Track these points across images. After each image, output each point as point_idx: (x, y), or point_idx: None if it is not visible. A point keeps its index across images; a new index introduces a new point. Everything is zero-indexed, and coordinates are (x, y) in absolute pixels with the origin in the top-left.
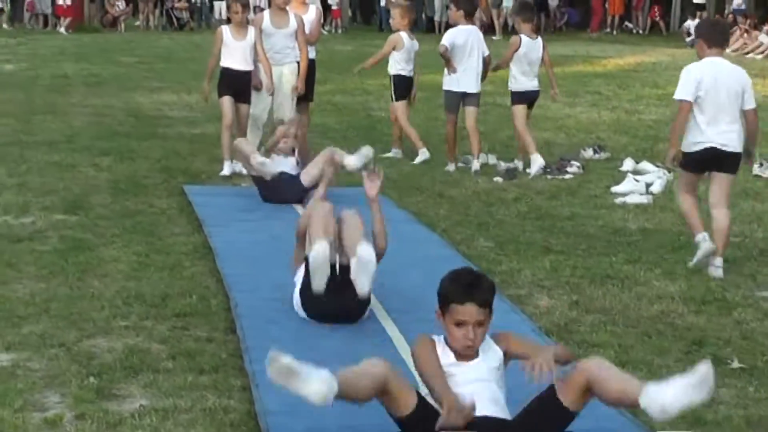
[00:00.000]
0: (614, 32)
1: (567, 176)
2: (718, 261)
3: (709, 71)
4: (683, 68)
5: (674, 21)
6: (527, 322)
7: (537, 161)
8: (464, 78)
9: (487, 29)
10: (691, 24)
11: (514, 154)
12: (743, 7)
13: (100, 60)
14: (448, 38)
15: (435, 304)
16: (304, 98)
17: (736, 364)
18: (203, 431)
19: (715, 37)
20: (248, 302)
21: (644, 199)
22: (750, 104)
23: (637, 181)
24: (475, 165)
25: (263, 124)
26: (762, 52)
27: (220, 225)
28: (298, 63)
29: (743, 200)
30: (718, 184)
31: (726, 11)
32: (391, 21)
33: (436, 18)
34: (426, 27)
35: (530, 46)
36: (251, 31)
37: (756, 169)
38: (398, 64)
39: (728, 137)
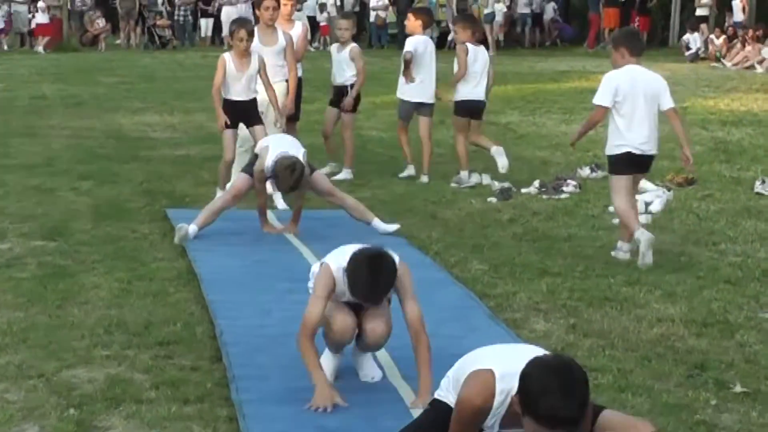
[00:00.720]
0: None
1: (563, 196)
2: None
3: (627, 78)
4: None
5: (673, 35)
6: None
7: (463, 177)
8: (421, 88)
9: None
10: (690, 38)
11: (508, 174)
12: (741, 19)
13: (79, 80)
14: (411, 45)
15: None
16: (291, 118)
17: (738, 389)
18: None
19: (636, 45)
20: (234, 330)
21: (643, 219)
22: (668, 104)
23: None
24: (424, 179)
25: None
26: (763, 65)
27: (204, 250)
28: (287, 81)
29: (745, 219)
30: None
31: (726, 24)
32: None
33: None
34: (437, 42)
35: (475, 55)
36: (254, 58)
37: (758, 187)
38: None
39: (645, 141)
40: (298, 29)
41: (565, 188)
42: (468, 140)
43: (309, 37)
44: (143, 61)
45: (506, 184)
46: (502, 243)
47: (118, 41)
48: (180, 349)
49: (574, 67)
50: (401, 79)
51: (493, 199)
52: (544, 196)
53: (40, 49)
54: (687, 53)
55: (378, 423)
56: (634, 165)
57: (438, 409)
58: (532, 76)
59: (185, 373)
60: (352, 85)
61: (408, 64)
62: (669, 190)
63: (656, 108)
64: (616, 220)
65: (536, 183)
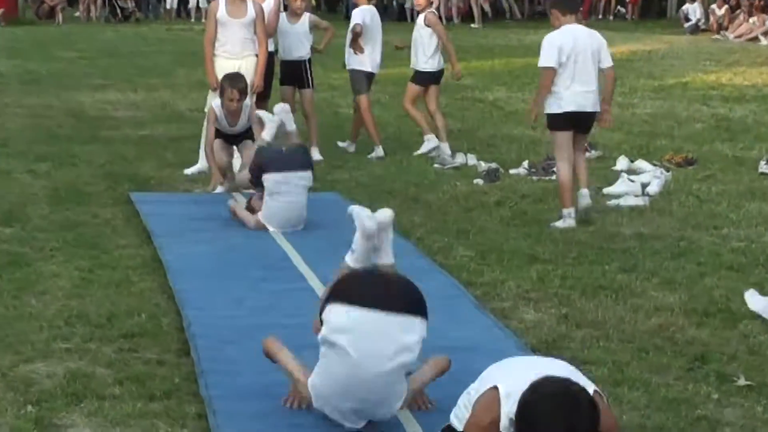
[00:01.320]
0: (610, 17)
1: (554, 177)
2: (585, 191)
3: (569, 37)
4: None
5: (671, 5)
6: (512, 338)
7: (431, 142)
8: (372, 58)
9: (465, 17)
10: (689, 8)
11: (495, 154)
12: None
13: (36, 55)
14: (359, 16)
15: None
16: (261, 96)
17: (742, 382)
18: None
19: (569, 5)
20: (203, 321)
21: (640, 201)
22: (607, 62)
23: (632, 181)
24: (378, 151)
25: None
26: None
27: (171, 236)
28: (256, 56)
29: (748, 201)
30: (575, 140)
31: None
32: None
33: (407, 5)
34: (398, 16)
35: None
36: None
37: (762, 167)
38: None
39: (587, 99)
40: (270, 2)
41: (556, 169)
42: (428, 110)
43: (282, 10)
44: (104, 35)
45: (493, 165)
46: (488, 228)
47: (77, 14)
48: (145, 342)
49: None
50: (349, 51)
51: (480, 181)
52: (534, 178)
53: None
54: (686, 24)
55: None
56: (574, 122)
57: None
58: (521, 50)
59: (151, 367)
60: (309, 60)
61: (357, 36)
62: (667, 171)
63: (596, 66)
64: (610, 203)
65: (525, 163)
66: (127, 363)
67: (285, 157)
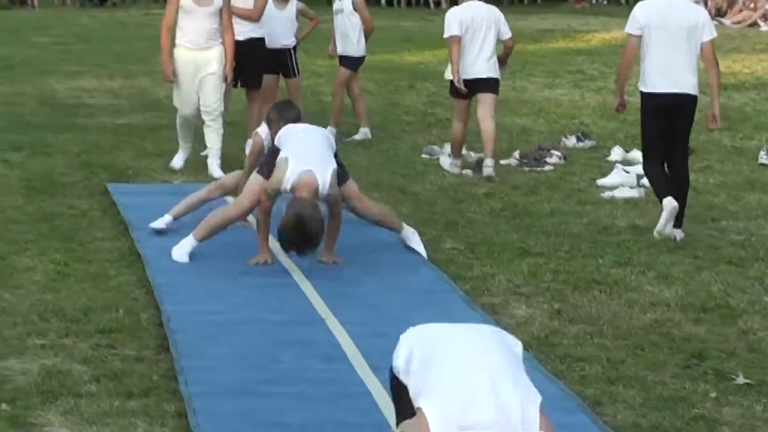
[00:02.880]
0: (605, 1)
1: (546, 168)
2: (489, 161)
3: (468, 13)
4: (447, 13)
5: None
6: None
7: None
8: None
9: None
10: None
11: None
12: None
13: (8, 40)
14: None
15: (395, 315)
16: (252, 85)
17: (741, 380)
18: None
19: None
20: (183, 316)
21: (635, 193)
22: (507, 34)
23: (626, 172)
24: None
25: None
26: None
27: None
28: (222, 45)
29: (748, 193)
30: (483, 103)
31: None
32: None
33: None
34: None
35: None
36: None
37: (762, 157)
38: None
39: (481, 65)
40: None
41: (548, 159)
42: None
43: None
44: (80, 20)
45: (483, 155)
46: (478, 220)
47: None
48: (122, 338)
49: (557, 25)
50: (346, 39)
51: (469, 172)
52: (525, 168)
53: None
54: None
55: (341, 419)
56: (470, 88)
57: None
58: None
59: (128, 364)
60: (294, 48)
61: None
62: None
63: (495, 34)
64: (604, 194)
65: (516, 154)
66: (104, 359)
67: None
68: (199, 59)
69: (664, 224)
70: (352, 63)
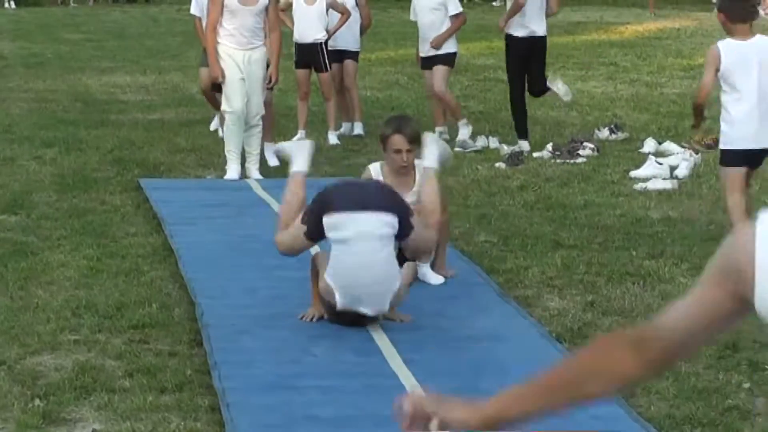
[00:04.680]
0: None
1: (579, 160)
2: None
3: None
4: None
5: None
6: (536, 326)
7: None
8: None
9: None
10: None
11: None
12: None
13: (41, 37)
14: None
15: (428, 308)
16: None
17: None
18: None
19: None
20: (216, 310)
21: (668, 185)
22: (455, 9)
23: (659, 164)
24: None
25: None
26: None
27: (182, 223)
28: (264, 46)
29: None
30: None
31: None
32: None
33: None
34: None
35: None
36: None
37: None
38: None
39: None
40: None
41: (581, 152)
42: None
43: None
44: (112, 16)
45: (517, 148)
46: (511, 212)
47: None
48: (156, 333)
49: (590, 17)
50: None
51: (502, 165)
52: (559, 161)
53: (8, 4)
54: (715, 0)
55: (375, 412)
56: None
57: None
58: None
59: (162, 359)
60: (326, 42)
61: None
62: (697, 153)
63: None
64: (637, 186)
65: (549, 146)
66: (138, 355)
67: (355, 191)
68: (242, 59)
69: None
70: (356, 56)
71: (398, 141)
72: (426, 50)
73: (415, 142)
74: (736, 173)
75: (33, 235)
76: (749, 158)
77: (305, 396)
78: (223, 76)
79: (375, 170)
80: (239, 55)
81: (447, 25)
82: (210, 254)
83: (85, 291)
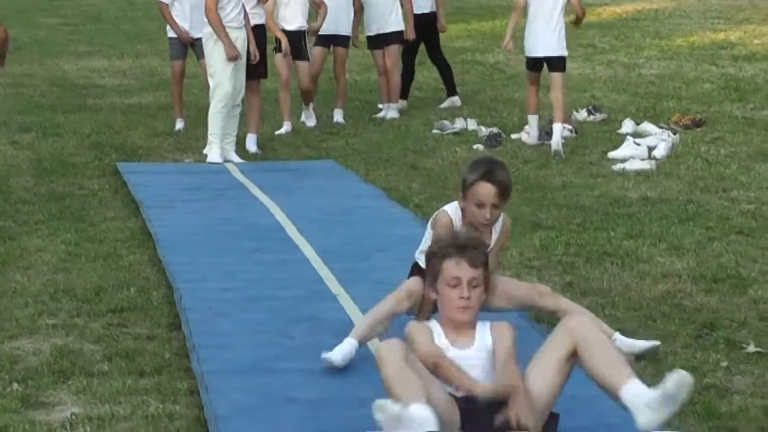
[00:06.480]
0: None
1: None
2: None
3: None
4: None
5: None
6: None
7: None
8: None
9: None
10: None
11: (496, 119)
12: None
13: (17, 22)
14: None
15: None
16: (258, 73)
17: (752, 348)
18: None
19: None
20: (195, 294)
21: (646, 165)
22: None
23: (637, 144)
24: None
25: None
26: None
27: (160, 207)
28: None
29: (759, 163)
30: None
31: None
32: None
33: None
34: None
35: None
36: None
37: None
38: None
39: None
40: None
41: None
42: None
43: None
44: (89, 0)
45: (494, 130)
46: None
47: None
48: (134, 317)
49: None
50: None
51: (480, 146)
52: (537, 142)
53: None
54: None
55: (354, 393)
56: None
57: None
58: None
59: (140, 342)
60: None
61: None
62: (674, 133)
63: None
64: (615, 167)
65: (527, 128)
66: (116, 338)
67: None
68: (238, 39)
69: None
70: (347, 42)
71: (486, 192)
72: (375, 29)
73: (506, 196)
74: None
75: (10, 219)
76: None
77: (284, 378)
78: (239, 57)
79: (455, 214)
80: (237, 36)
81: (397, 5)
82: (188, 238)
83: (63, 275)
